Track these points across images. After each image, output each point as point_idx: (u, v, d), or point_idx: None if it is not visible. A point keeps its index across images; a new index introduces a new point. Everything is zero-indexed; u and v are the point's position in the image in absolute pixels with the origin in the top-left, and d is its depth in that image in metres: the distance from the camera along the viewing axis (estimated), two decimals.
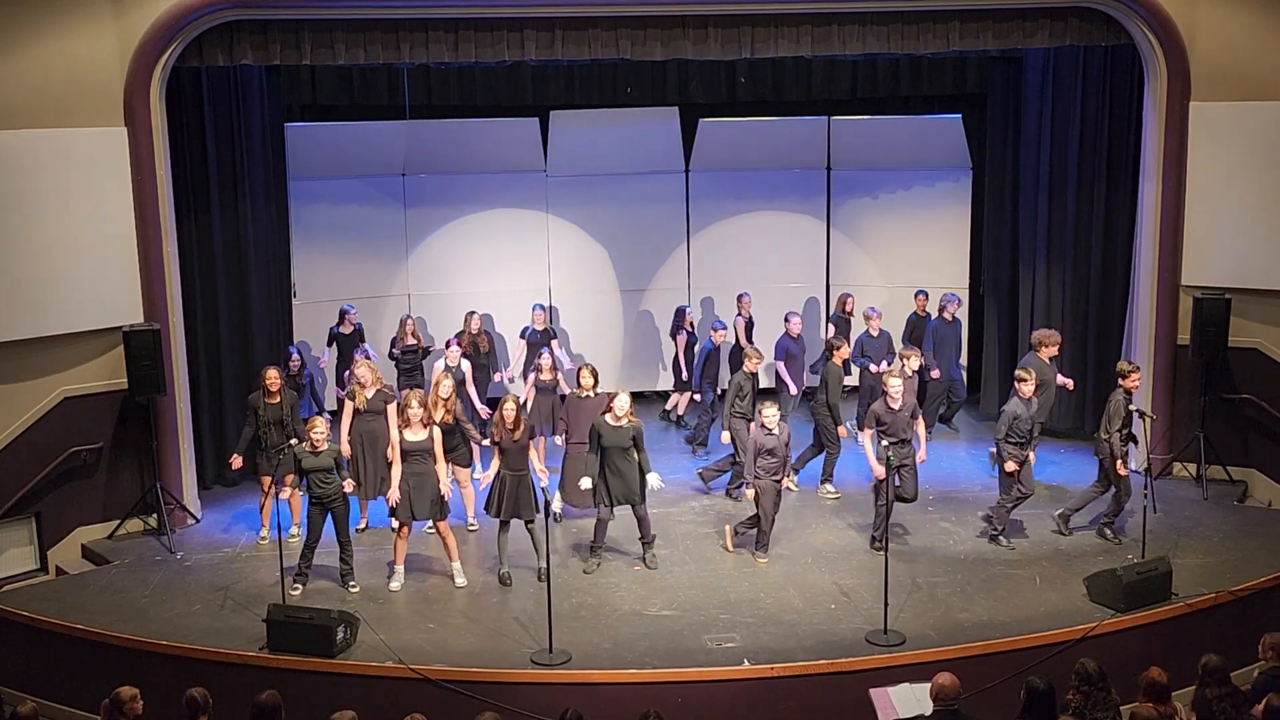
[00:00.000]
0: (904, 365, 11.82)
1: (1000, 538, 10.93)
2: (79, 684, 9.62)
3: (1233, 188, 12.03)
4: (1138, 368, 11.04)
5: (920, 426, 11.09)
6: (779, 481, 10.67)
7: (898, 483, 10.78)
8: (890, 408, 10.79)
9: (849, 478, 12.36)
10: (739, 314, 14.22)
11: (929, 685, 7.13)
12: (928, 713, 7.10)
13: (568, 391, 11.93)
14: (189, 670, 8.96)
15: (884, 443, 10.74)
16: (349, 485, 10.33)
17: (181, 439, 11.85)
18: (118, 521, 11.70)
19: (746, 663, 9.01)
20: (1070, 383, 12.24)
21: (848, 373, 12.75)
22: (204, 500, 12.33)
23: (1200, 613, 9.67)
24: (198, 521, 11.96)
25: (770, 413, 10.52)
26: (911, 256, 15.21)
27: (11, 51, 10.72)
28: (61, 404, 11.31)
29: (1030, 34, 12.06)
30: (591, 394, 11.16)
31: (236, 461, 11.37)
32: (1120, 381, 10.84)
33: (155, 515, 11.65)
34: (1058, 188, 13.42)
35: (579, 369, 11.41)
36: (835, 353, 12.07)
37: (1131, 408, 10.78)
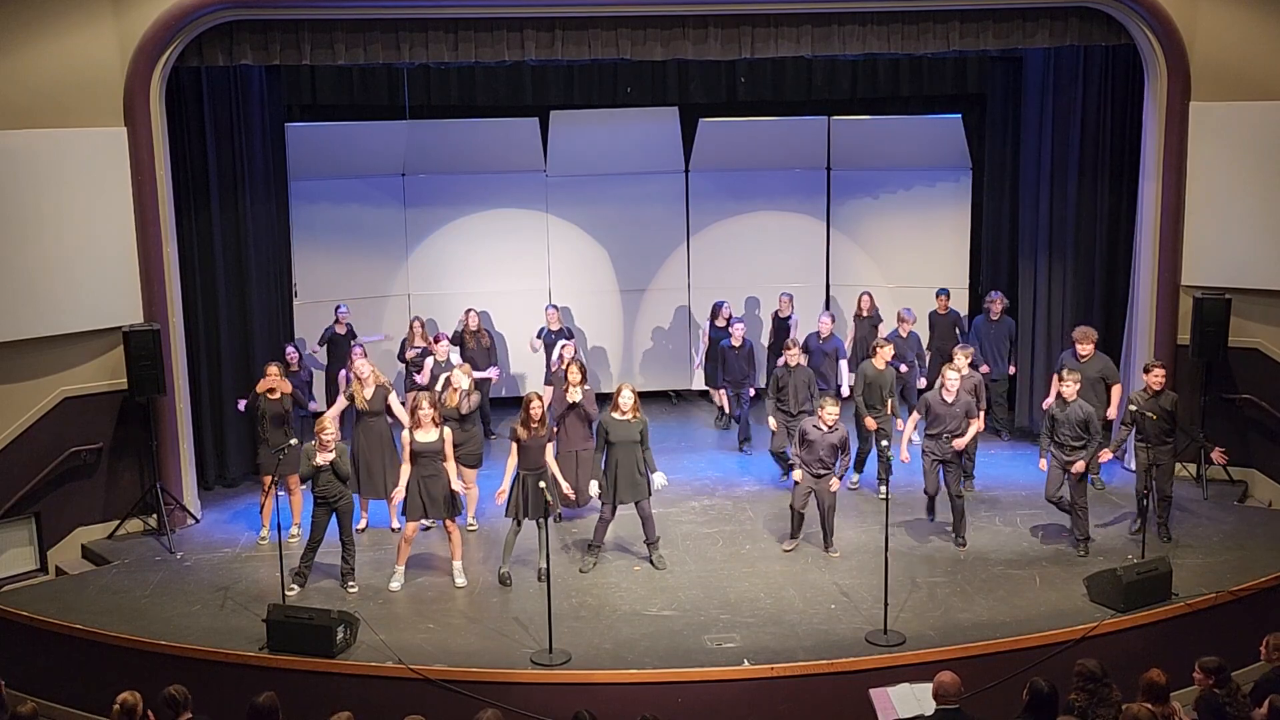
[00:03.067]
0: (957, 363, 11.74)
1: (1082, 544, 10.77)
2: (79, 684, 9.61)
3: (1233, 188, 12.03)
4: (1160, 363, 10.97)
5: (973, 424, 11.03)
6: (816, 476, 10.66)
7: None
8: (943, 399, 10.79)
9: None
10: (778, 311, 14.43)
11: (929, 685, 7.13)
12: (928, 713, 7.10)
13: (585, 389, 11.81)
14: (189, 670, 8.95)
15: (883, 442, 10.72)
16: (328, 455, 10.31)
17: (181, 439, 11.86)
18: (118, 521, 11.70)
19: (746, 663, 9.01)
20: (1111, 410, 11.94)
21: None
22: (204, 500, 12.33)
23: (1200, 613, 9.67)
24: (198, 521, 11.96)
25: (830, 410, 10.56)
26: (911, 256, 15.21)
27: (11, 51, 10.72)
28: (61, 404, 11.31)
29: (1030, 34, 12.05)
30: (579, 390, 11.16)
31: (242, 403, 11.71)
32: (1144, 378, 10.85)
33: (155, 515, 11.65)
34: (1058, 187, 13.41)
35: (566, 365, 11.41)
36: (878, 351, 12.05)
37: (1132, 407, 10.76)
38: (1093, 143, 13.11)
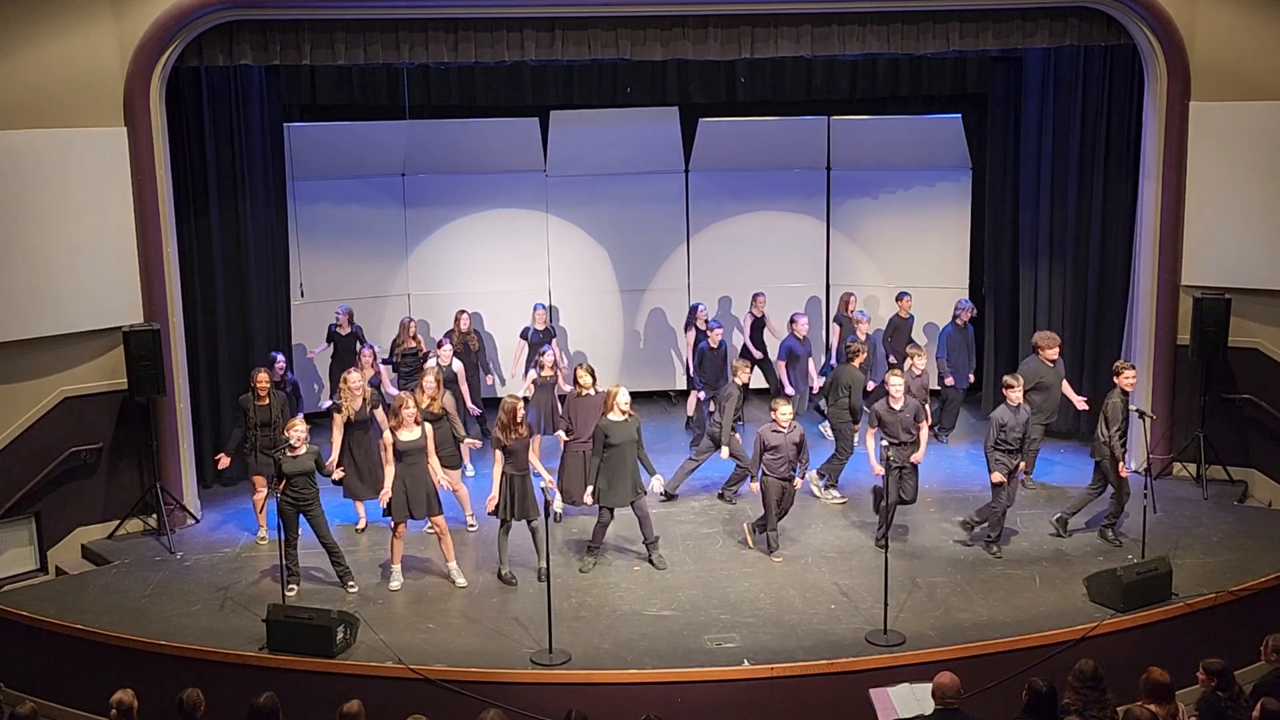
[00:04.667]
0: (911, 365, 11.82)
1: (994, 545, 10.82)
2: (79, 684, 9.62)
3: (1233, 188, 12.03)
4: (1131, 365, 10.99)
5: (923, 430, 11.07)
6: (786, 480, 10.66)
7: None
8: (891, 407, 10.80)
9: (852, 478, 12.34)
10: (750, 311, 14.25)
11: (929, 685, 7.13)
12: (928, 713, 7.11)
13: (566, 389, 11.93)
14: (189, 670, 8.97)
15: (884, 442, 10.74)
16: (338, 474, 10.47)
17: (181, 439, 11.85)
18: (118, 521, 11.70)
19: (746, 663, 9.01)
20: (1081, 402, 12.10)
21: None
22: (204, 500, 12.33)
23: (1200, 613, 9.68)
24: (197, 521, 11.96)
25: (784, 411, 10.53)
26: (911, 256, 15.21)
27: (11, 51, 10.72)
28: (61, 404, 11.31)
29: (1030, 34, 12.05)
30: (591, 392, 11.16)
31: (224, 461, 11.47)
32: (1115, 380, 10.82)
33: (155, 515, 11.65)
34: (1058, 187, 13.41)
35: (576, 367, 11.41)
36: (856, 357, 12.03)
37: (1132, 407, 10.75)
38: (1093, 143, 13.11)
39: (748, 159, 15.24)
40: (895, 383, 10.84)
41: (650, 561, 10.70)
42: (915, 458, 10.92)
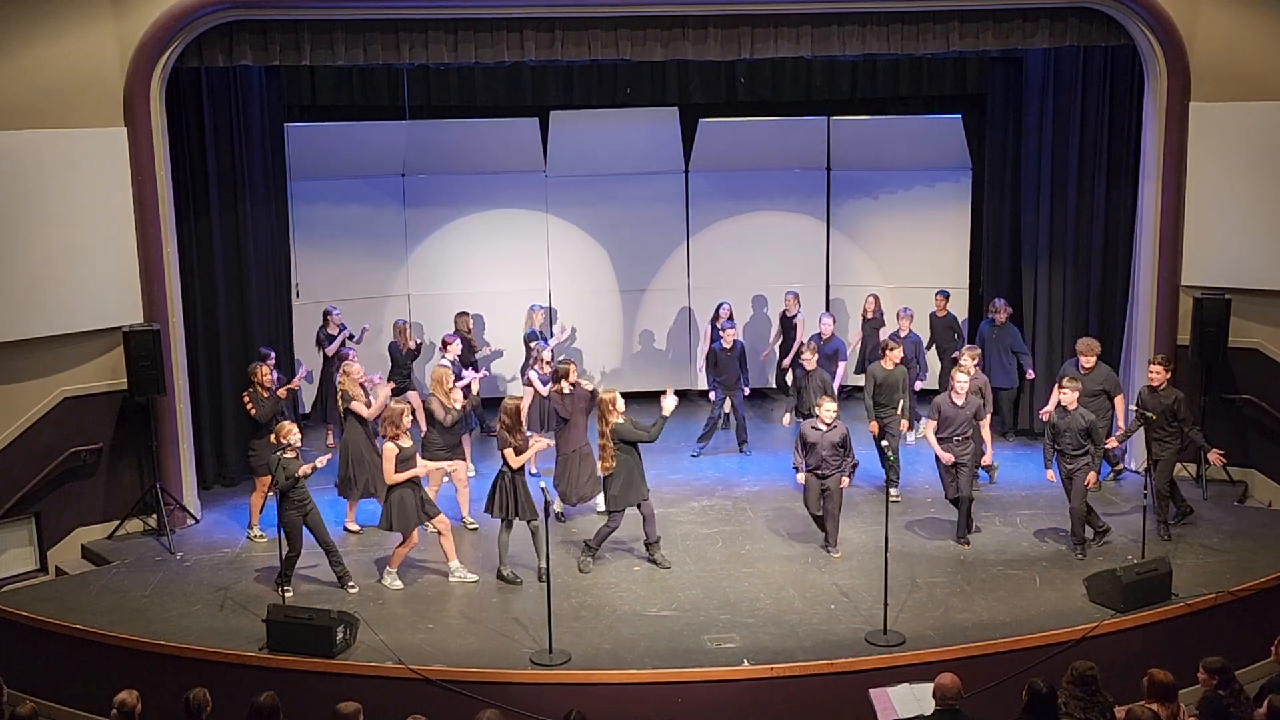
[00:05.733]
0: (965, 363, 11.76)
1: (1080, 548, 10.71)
2: (79, 684, 9.62)
3: (1233, 188, 12.03)
4: (1159, 360, 10.95)
5: (985, 428, 10.98)
6: (823, 478, 10.62)
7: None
8: (953, 401, 10.77)
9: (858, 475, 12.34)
10: (785, 310, 14.41)
11: (929, 685, 7.14)
12: (928, 713, 7.11)
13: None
14: (189, 670, 8.97)
15: (884, 442, 10.69)
16: (322, 460, 10.24)
17: (181, 439, 11.86)
18: (118, 522, 11.70)
19: (746, 663, 9.01)
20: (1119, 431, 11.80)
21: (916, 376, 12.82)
22: (204, 500, 12.33)
23: (1200, 613, 9.67)
24: (197, 521, 11.96)
25: (827, 408, 10.52)
26: (911, 256, 15.22)
27: (11, 51, 10.72)
28: (61, 404, 11.31)
29: (1030, 34, 12.06)
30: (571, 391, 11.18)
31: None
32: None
33: (155, 515, 11.65)
34: (1058, 188, 13.41)
35: (557, 368, 11.40)
36: (884, 354, 12.00)
37: (1133, 407, 10.76)
38: (1093, 143, 13.10)
39: (748, 159, 15.24)
40: (961, 378, 10.78)
41: (654, 561, 10.70)
42: (985, 460, 10.87)
